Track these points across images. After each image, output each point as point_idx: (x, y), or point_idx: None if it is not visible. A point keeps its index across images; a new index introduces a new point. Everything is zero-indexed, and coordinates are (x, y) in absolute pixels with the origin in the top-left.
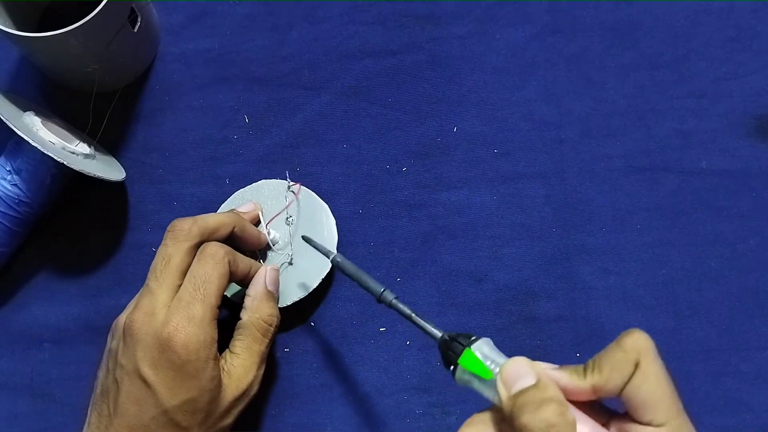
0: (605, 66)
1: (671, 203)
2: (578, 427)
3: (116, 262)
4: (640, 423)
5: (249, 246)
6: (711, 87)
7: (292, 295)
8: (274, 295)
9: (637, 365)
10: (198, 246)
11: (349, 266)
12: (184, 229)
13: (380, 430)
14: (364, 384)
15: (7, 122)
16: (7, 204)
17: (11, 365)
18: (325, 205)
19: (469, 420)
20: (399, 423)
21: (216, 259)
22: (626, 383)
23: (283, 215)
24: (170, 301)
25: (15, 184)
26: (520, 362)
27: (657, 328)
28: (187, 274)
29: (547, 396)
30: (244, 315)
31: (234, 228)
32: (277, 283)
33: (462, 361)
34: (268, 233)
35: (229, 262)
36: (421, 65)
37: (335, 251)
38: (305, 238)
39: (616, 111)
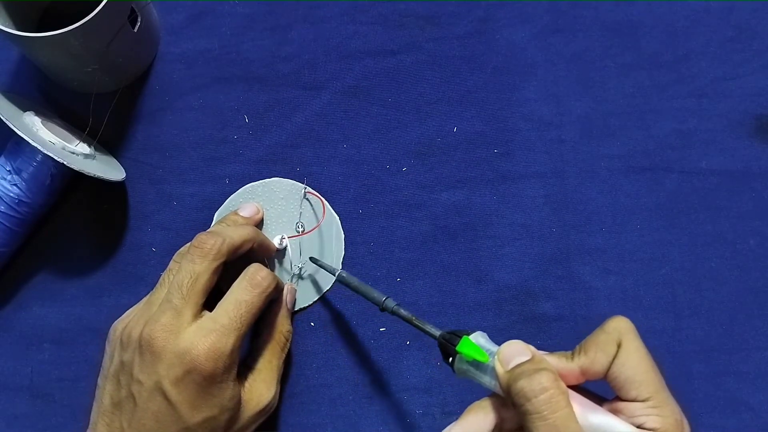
0: (605, 66)
1: (671, 203)
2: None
3: (116, 262)
4: (627, 400)
5: (261, 257)
6: (711, 87)
7: (298, 302)
8: (290, 312)
9: (619, 345)
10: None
11: (353, 281)
12: (215, 247)
13: (380, 430)
14: (364, 384)
15: (7, 122)
16: (7, 204)
17: (11, 365)
18: (337, 219)
19: (469, 407)
20: (399, 423)
21: (265, 291)
22: (611, 363)
23: (294, 220)
24: (193, 319)
25: (15, 184)
26: (517, 343)
27: (657, 328)
28: (231, 295)
29: (542, 366)
30: (265, 329)
31: (253, 244)
32: (294, 302)
33: (460, 347)
34: (281, 242)
35: (271, 293)
36: (421, 65)
37: (340, 267)
38: (312, 259)
39: (616, 111)
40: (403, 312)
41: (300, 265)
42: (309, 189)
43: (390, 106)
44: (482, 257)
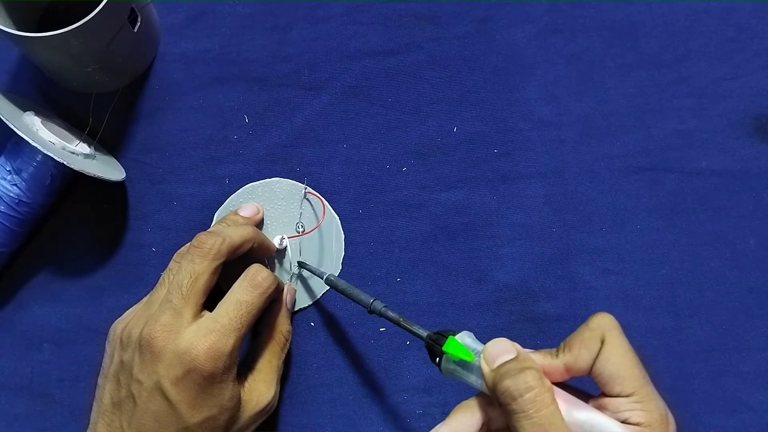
0: (605, 66)
1: (671, 203)
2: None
3: (116, 262)
4: (612, 396)
5: (261, 257)
6: (711, 87)
7: (297, 302)
8: (290, 312)
9: (603, 342)
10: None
11: (341, 284)
12: (215, 247)
13: (380, 430)
14: (364, 384)
15: (7, 122)
16: (7, 204)
17: (11, 365)
18: (337, 219)
19: (456, 407)
20: (399, 423)
21: (265, 291)
22: (595, 359)
23: (295, 220)
24: (193, 319)
25: (15, 184)
26: (502, 341)
27: (657, 328)
28: (231, 295)
29: (527, 365)
30: (265, 329)
31: (253, 244)
32: (294, 302)
33: (447, 347)
34: (281, 242)
35: (271, 293)
36: (421, 65)
37: (340, 267)
38: (300, 264)
39: (616, 111)
40: (390, 314)
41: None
42: (309, 189)
43: (390, 106)
44: (482, 257)
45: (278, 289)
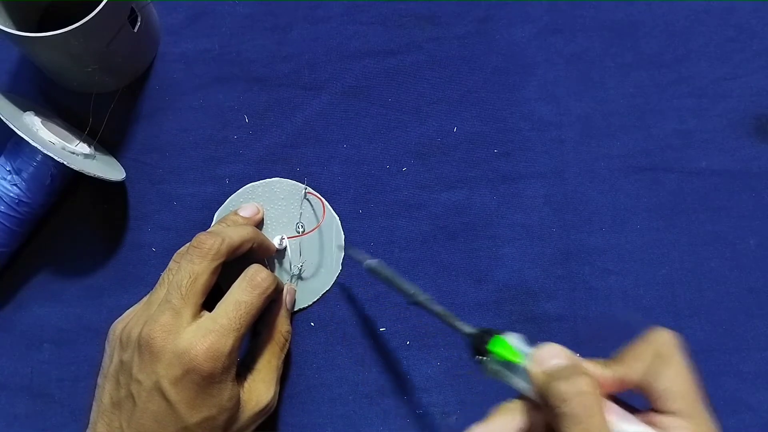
0: (605, 66)
1: (671, 203)
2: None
3: (116, 262)
4: (661, 412)
5: (261, 257)
6: (711, 87)
7: (297, 302)
8: (290, 313)
9: (658, 357)
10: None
11: (384, 271)
12: (214, 247)
13: (380, 430)
14: (365, 384)
15: (7, 122)
16: (7, 204)
17: (11, 365)
18: (337, 219)
19: (497, 408)
20: (399, 423)
21: (264, 292)
22: (648, 373)
23: (295, 220)
24: (192, 319)
25: (15, 184)
26: (554, 346)
27: None
28: (230, 295)
29: (580, 371)
30: (264, 330)
31: (253, 244)
32: (293, 302)
33: (493, 346)
34: (281, 243)
35: (271, 294)
36: (421, 65)
37: (340, 266)
38: (342, 247)
39: (616, 111)
40: (434, 307)
41: (300, 266)
42: (309, 189)
43: (390, 106)
44: (482, 257)
45: (278, 290)
